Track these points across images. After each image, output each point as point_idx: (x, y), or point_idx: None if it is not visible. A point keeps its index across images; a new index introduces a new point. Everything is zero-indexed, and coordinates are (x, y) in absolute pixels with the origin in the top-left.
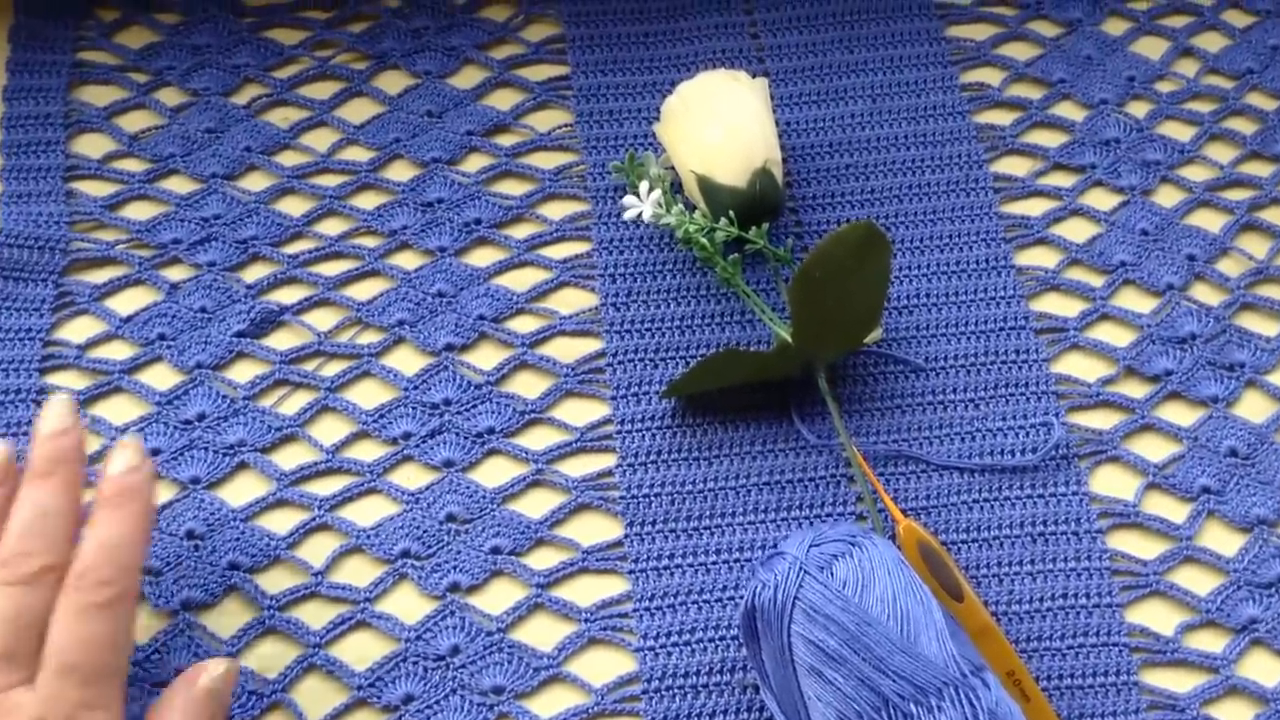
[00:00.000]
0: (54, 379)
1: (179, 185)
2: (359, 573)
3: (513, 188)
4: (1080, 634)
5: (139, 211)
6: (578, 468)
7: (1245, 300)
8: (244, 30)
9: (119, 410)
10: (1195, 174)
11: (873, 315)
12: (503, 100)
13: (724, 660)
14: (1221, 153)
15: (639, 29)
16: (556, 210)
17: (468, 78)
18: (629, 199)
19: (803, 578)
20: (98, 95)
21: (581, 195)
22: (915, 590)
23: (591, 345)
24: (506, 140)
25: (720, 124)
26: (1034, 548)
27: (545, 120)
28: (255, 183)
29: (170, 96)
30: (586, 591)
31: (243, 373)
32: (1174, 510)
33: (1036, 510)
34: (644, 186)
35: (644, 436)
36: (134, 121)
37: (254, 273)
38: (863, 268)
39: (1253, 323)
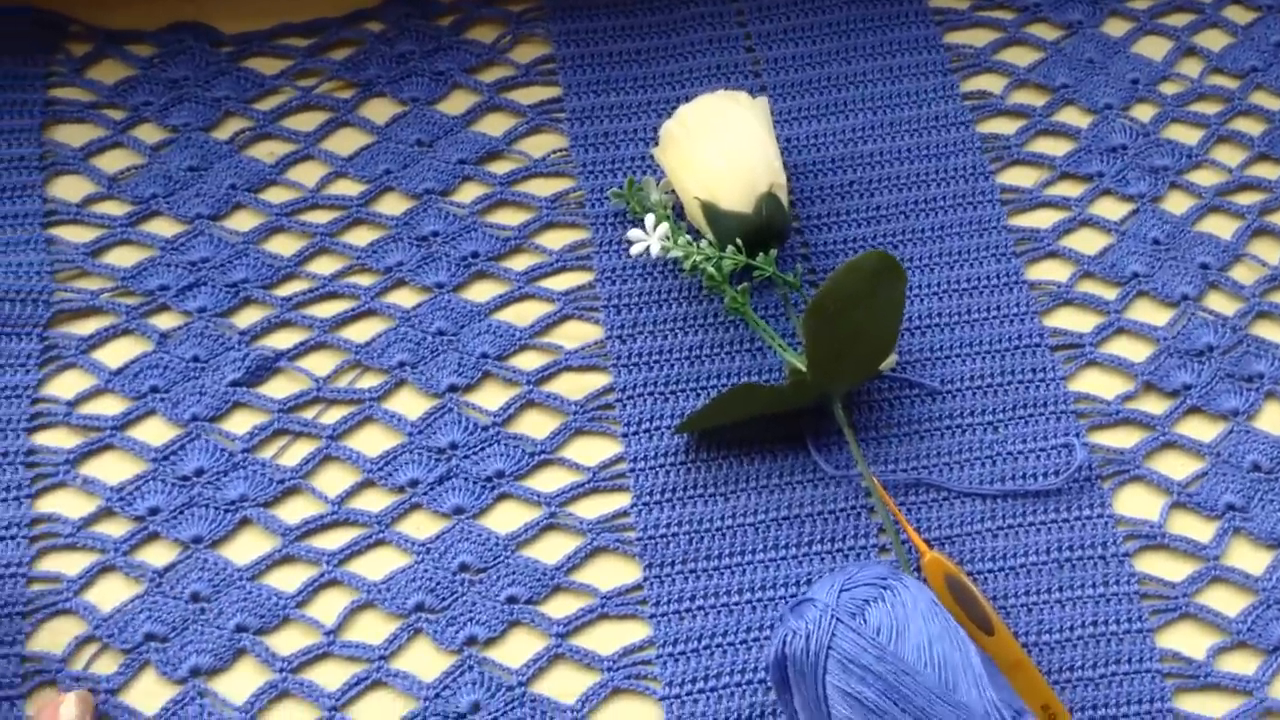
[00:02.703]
0: (43, 438)
1: (163, 227)
2: (372, 629)
3: (509, 217)
4: (1112, 662)
5: (123, 257)
6: (592, 509)
7: (1261, 309)
8: (222, 61)
9: (113, 469)
10: (1204, 178)
11: (888, 343)
12: (494, 125)
13: (753, 706)
14: (1230, 155)
15: (631, 46)
16: (555, 239)
17: (457, 103)
18: (635, 233)
19: (835, 626)
20: (73, 135)
21: (580, 222)
22: (951, 634)
23: (599, 380)
24: (500, 167)
25: (722, 149)
26: (1061, 574)
27: (539, 145)
28: (242, 222)
29: (149, 133)
30: (607, 639)
31: (240, 424)
32: (1200, 529)
33: (1062, 535)
34: (649, 220)
35: (658, 474)
36: (113, 161)
37: (247, 317)
38: (877, 297)
39: (1269, 331)
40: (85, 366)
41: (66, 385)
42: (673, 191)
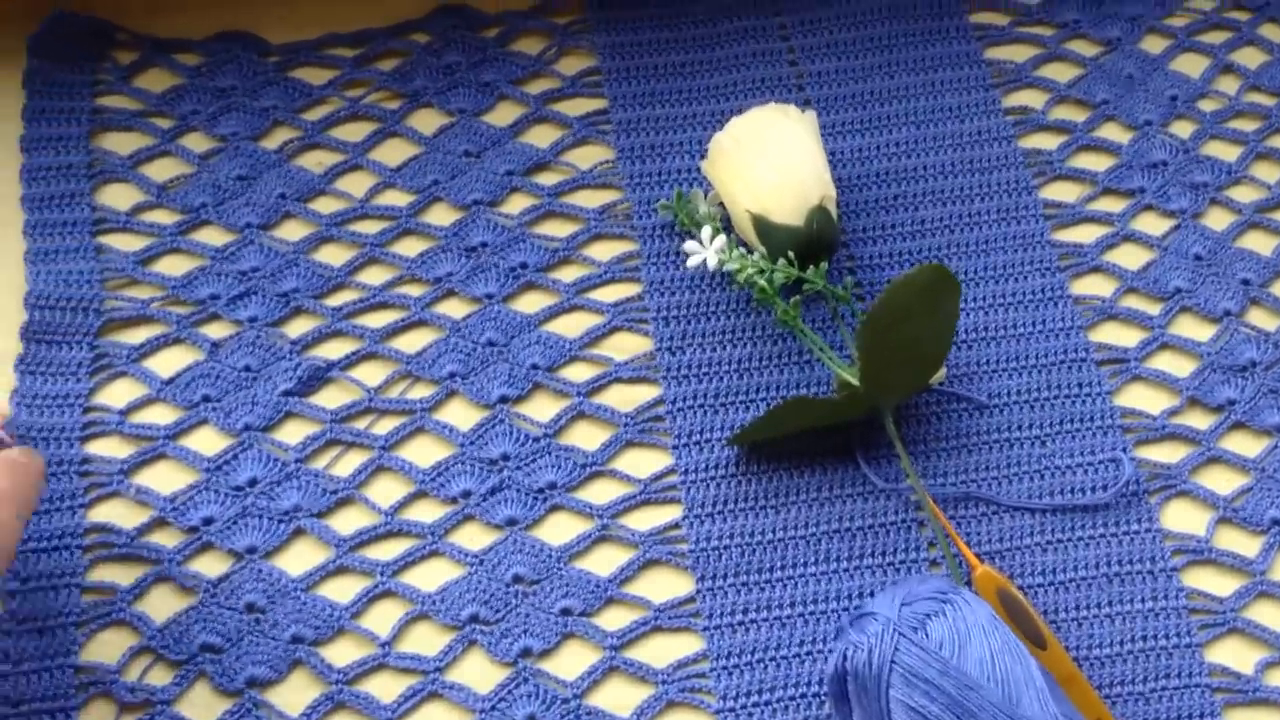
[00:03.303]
0: (96, 447)
1: (213, 237)
2: (427, 640)
3: (557, 229)
4: (1162, 676)
5: (173, 266)
6: (644, 521)
7: None
8: (269, 70)
9: (166, 478)
10: (1243, 195)
11: (940, 356)
12: (541, 137)
13: None
14: (1268, 172)
15: (676, 59)
16: (604, 251)
17: (504, 114)
18: (691, 244)
19: (898, 640)
20: (121, 143)
21: (628, 234)
22: (1013, 649)
23: (649, 392)
24: (548, 179)
25: (774, 162)
26: (1110, 589)
27: (586, 157)
28: (292, 232)
29: (197, 142)
30: (661, 651)
31: (293, 433)
32: (1246, 544)
33: (1110, 550)
34: (705, 232)
35: (709, 486)
36: (161, 170)
37: (298, 327)
38: (931, 310)
39: None
40: (136, 375)
41: (118, 394)
42: (721, 204)
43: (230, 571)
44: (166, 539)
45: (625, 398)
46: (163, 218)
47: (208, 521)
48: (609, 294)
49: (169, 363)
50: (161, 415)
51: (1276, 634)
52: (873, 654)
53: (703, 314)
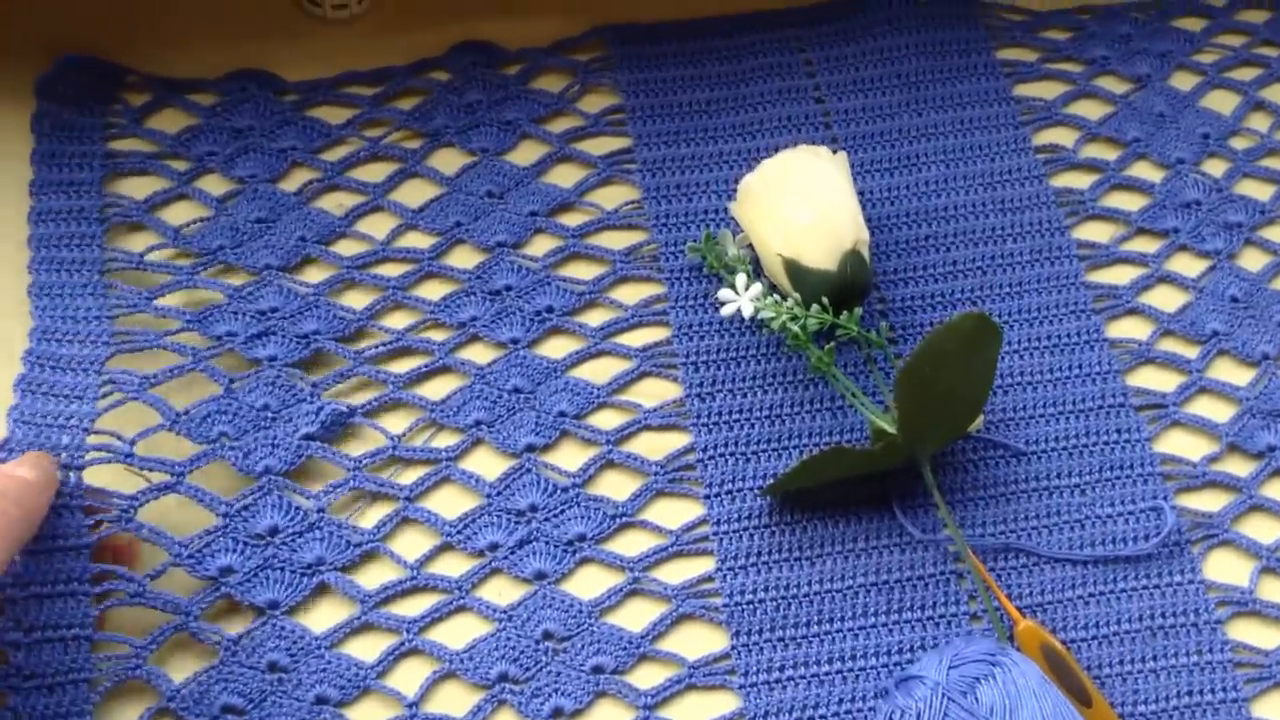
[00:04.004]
0: (99, 476)
1: (231, 278)
2: (455, 701)
3: (583, 271)
4: None
5: (187, 301)
6: (676, 574)
7: None
8: (287, 110)
9: (178, 518)
10: (1278, 235)
11: (979, 403)
12: (565, 177)
13: None
14: None
15: (700, 96)
16: (630, 294)
17: (526, 153)
18: (725, 293)
19: (947, 706)
20: (135, 187)
21: (655, 277)
22: (1063, 712)
23: (679, 440)
24: (572, 220)
25: (807, 204)
26: (1154, 643)
27: (611, 197)
28: (312, 275)
29: (214, 185)
30: (696, 711)
31: (314, 480)
32: None
33: (1154, 602)
34: (740, 280)
35: (742, 537)
36: (177, 214)
37: (318, 370)
38: (971, 358)
39: None
40: (148, 402)
41: (125, 421)
42: (749, 246)
43: (252, 628)
44: (181, 586)
45: (655, 446)
46: (179, 260)
47: (226, 571)
48: (637, 338)
49: (180, 394)
50: (175, 448)
51: None
52: (921, 718)
53: (733, 359)
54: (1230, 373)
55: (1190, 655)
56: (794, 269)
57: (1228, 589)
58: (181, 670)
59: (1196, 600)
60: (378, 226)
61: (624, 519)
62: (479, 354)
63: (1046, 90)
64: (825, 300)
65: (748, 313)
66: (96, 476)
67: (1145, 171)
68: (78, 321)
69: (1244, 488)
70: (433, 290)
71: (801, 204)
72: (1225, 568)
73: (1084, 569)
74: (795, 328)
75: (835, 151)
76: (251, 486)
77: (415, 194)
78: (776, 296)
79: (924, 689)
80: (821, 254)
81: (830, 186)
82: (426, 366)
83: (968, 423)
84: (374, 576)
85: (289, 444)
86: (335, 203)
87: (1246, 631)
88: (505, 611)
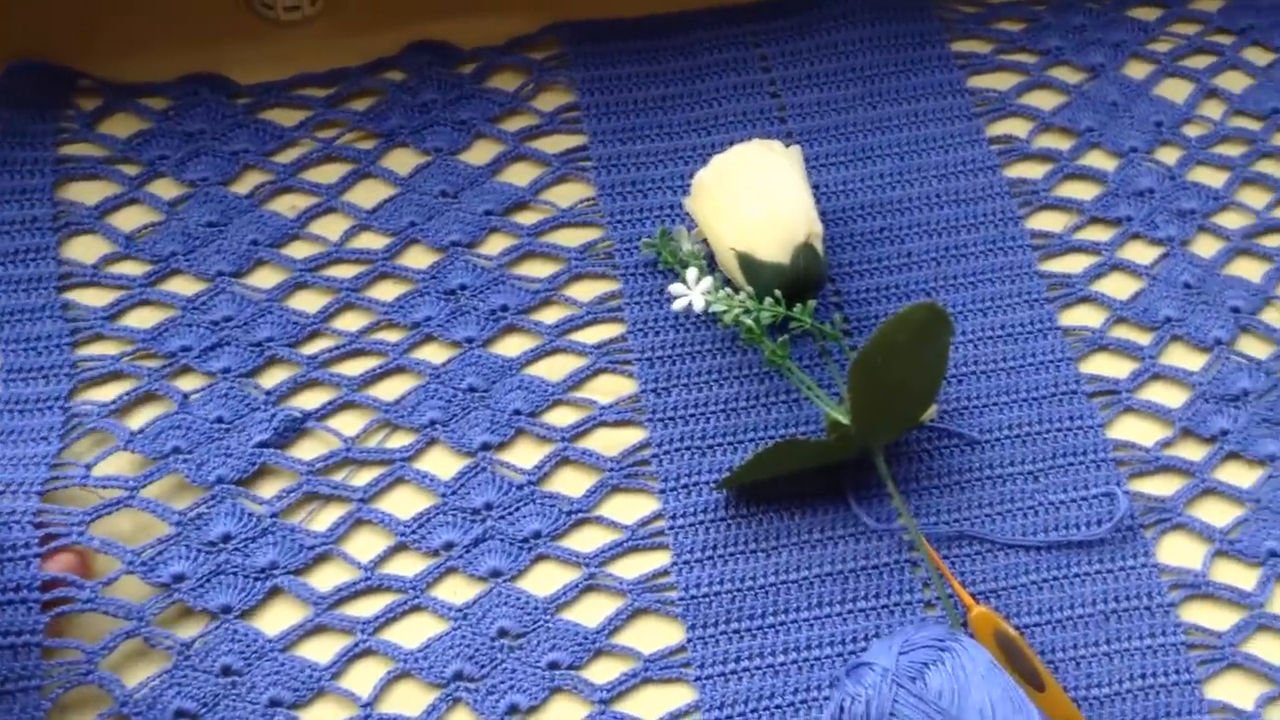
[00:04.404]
0: (56, 498)
1: (184, 286)
2: (410, 700)
3: (538, 269)
4: (1162, 716)
5: (143, 319)
6: (632, 569)
7: None
8: (239, 113)
9: (132, 532)
10: (1231, 221)
11: (931, 393)
12: (520, 175)
13: None
14: (1255, 198)
15: (655, 93)
16: (585, 291)
17: (481, 153)
18: (676, 287)
19: (896, 691)
20: (87, 193)
21: (610, 274)
22: (1012, 697)
23: (634, 435)
24: (527, 218)
25: (760, 198)
26: (1108, 627)
27: (566, 195)
28: (265, 279)
29: (166, 189)
30: (652, 704)
31: (268, 487)
32: (1243, 576)
33: (1107, 586)
34: (691, 273)
35: (698, 531)
36: (129, 219)
37: (272, 377)
38: (924, 348)
39: None
40: (106, 429)
41: (83, 449)
42: (704, 241)
43: (205, 632)
44: (134, 593)
45: (610, 442)
46: (131, 269)
47: (179, 578)
48: (592, 335)
49: (138, 416)
50: (128, 466)
51: (1276, 668)
52: (871, 705)
53: (687, 354)
54: (1183, 358)
55: (1143, 638)
56: (747, 263)
57: (1180, 572)
58: (134, 676)
59: (1149, 584)
60: (331, 228)
61: (580, 515)
62: (434, 354)
63: (1000, 81)
64: (778, 293)
65: (699, 307)
66: (53, 499)
67: (1099, 160)
68: (39, 354)
69: (1197, 472)
70: (387, 291)
71: (754, 198)
72: (1178, 551)
73: (1037, 555)
74: (749, 321)
75: (789, 145)
76: (204, 495)
77: (369, 195)
78: (729, 290)
79: (874, 675)
80: (774, 247)
81: (783, 180)
82: (381, 368)
83: (920, 412)
84: (328, 579)
85: (242, 453)
86: (288, 205)
87: (1199, 614)
88: (460, 610)
